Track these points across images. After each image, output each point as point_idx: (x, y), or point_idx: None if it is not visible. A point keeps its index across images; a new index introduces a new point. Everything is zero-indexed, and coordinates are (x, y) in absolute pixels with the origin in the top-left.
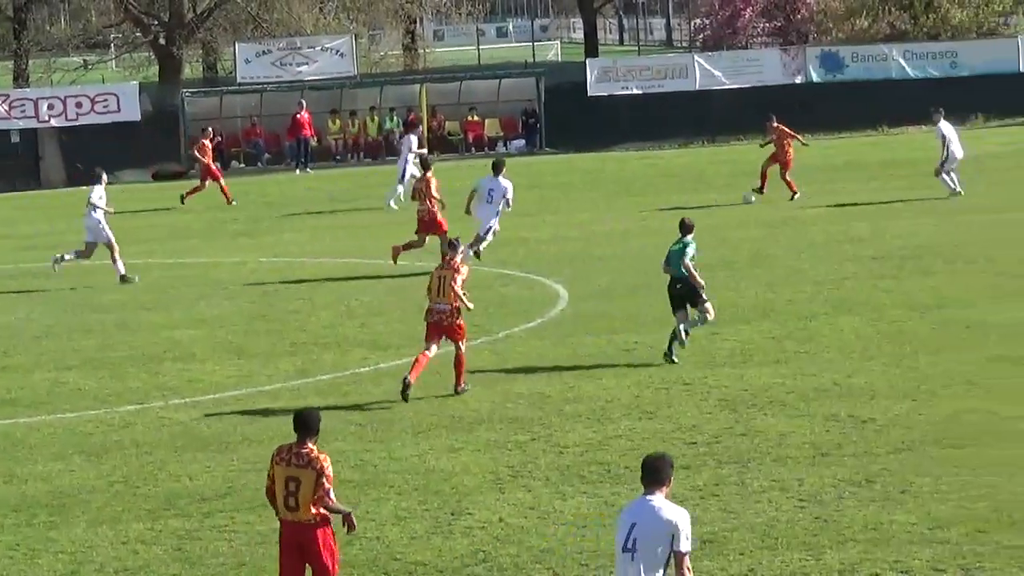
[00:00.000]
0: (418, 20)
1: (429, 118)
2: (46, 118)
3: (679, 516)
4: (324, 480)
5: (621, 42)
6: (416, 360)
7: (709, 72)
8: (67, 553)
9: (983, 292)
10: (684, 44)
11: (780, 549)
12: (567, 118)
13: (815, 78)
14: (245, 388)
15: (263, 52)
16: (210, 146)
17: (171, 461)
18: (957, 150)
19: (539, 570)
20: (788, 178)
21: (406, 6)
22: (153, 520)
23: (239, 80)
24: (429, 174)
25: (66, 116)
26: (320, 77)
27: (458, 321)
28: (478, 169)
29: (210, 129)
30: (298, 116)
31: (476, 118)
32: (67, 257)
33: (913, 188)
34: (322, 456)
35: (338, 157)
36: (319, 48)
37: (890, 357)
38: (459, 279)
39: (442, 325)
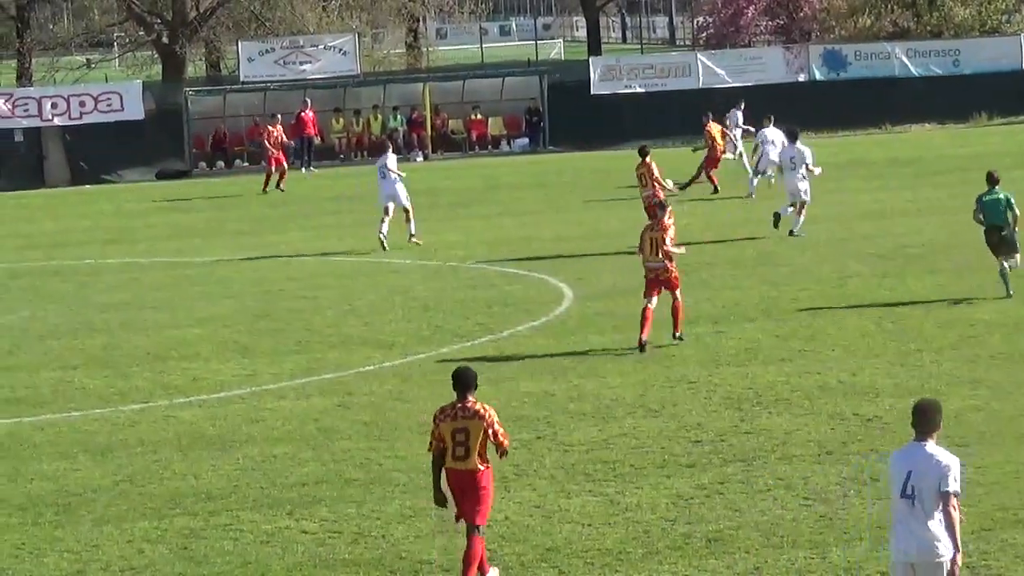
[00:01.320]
0: (421, 19)
1: (433, 116)
2: (50, 117)
3: (952, 460)
4: (495, 427)
5: (624, 40)
6: (644, 317)
7: (712, 70)
8: (73, 552)
9: (987, 290)
10: (687, 42)
11: (785, 547)
12: (570, 117)
13: (818, 76)
14: (250, 387)
15: (266, 51)
16: (276, 133)
17: (176, 460)
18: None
19: (544, 568)
20: (712, 174)
21: (409, 5)
22: (159, 519)
23: (242, 79)
24: (648, 159)
25: (70, 115)
26: (323, 76)
27: (673, 273)
28: (480, 167)
29: (279, 115)
30: (303, 115)
31: (480, 117)
32: (384, 231)
33: (917, 186)
34: (489, 408)
35: (342, 156)
36: (322, 47)
37: (895, 355)
38: (668, 237)
39: (659, 279)
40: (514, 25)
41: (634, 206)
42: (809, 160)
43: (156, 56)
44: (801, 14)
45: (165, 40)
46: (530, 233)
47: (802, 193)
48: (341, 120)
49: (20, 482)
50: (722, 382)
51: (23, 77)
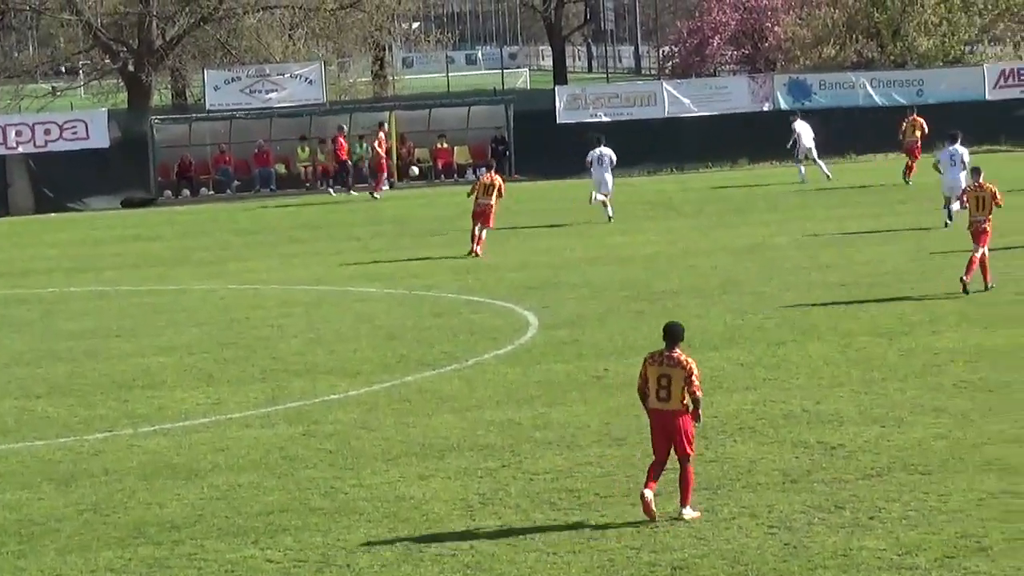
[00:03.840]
0: (387, 47)
1: (398, 145)
2: (14, 145)
3: None
4: (693, 377)
5: (590, 69)
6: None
7: (677, 99)
8: None
9: (950, 319)
10: (652, 72)
11: (750, 575)
12: (536, 145)
13: (783, 105)
14: (215, 415)
15: (232, 79)
16: (385, 139)
17: (141, 489)
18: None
19: None
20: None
21: (375, 33)
22: (123, 548)
23: (208, 107)
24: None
25: (34, 143)
26: (289, 104)
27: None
28: (447, 196)
29: (385, 123)
30: (338, 139)
31: (445, 145)
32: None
33: (881, 215)
34: (691, 360)
35: (307, 184)
36: (288, 75)
37: (859, 383)
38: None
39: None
40: (480, 54)
41: (599, 235)
42: (967, 159)
43: (122, 84)
44: (766, 44)
45: (131, 68)
46: (496, 261)
47: (958, 189)
48: (307, 148)
49: None
50: None
51: None
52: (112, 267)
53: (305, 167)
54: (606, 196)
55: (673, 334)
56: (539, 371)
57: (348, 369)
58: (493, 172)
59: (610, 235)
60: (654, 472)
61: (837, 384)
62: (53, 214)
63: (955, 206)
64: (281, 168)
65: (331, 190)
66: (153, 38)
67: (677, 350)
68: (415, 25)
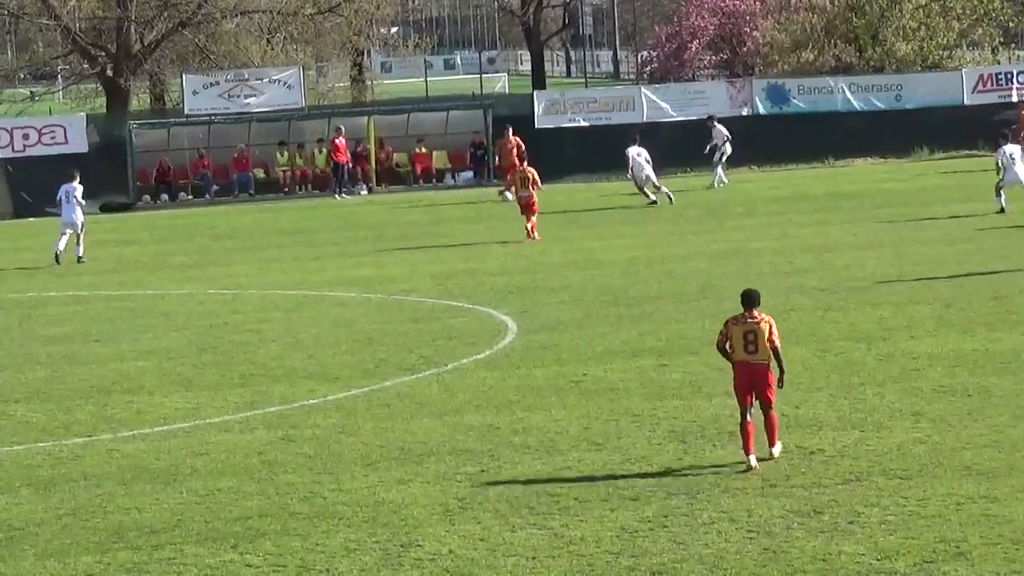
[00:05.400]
0: (366, 52)
1: (377, 150)
2: None
3: None
4: (772, 330)
5: (568, 74)
6: None
7: (656, 104)
8: None
9: (928, 323)
10: (631, 77)
11: None
12: None
13: (761, 110)
14: (194, 420)
15: (211, 84)
16: (344, 144)
17: (120, 494)
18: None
19: None
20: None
21: (354, 38)
22: (102, 553)
23: (187, 112)
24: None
25: (12, 147)
26: (268, 109)
27: None
28: (426, 200)
29: (510, 128)
30: (336, 141)
31: (424, 150)
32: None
33: (859, 220)
34: (770, 317)
35: (286, 189)
36: (267, 80)
37: (837, 388)
38: None
39: None
40: (459, 59)
41: (578, 239)
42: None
43: (100, 89)
44: (744, 49)
45: (109, 73)
46: (475, 266)
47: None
48: (286, 153)
49: None
50: (666, 415)
51: None
52: (91, 272)
53: (284, 172)
54: (655, 187)
55: (750, 298)
56: (518, 376)
57: (327, 374)
58: (525, 165)
59: (588, 240)
60: (747, 435)
61: (816, 389)
62: (31, 219)
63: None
64: (260, 173)
65: (337, 195)
66: (132, 43)
67: (755, 311)
68: (394, 30)
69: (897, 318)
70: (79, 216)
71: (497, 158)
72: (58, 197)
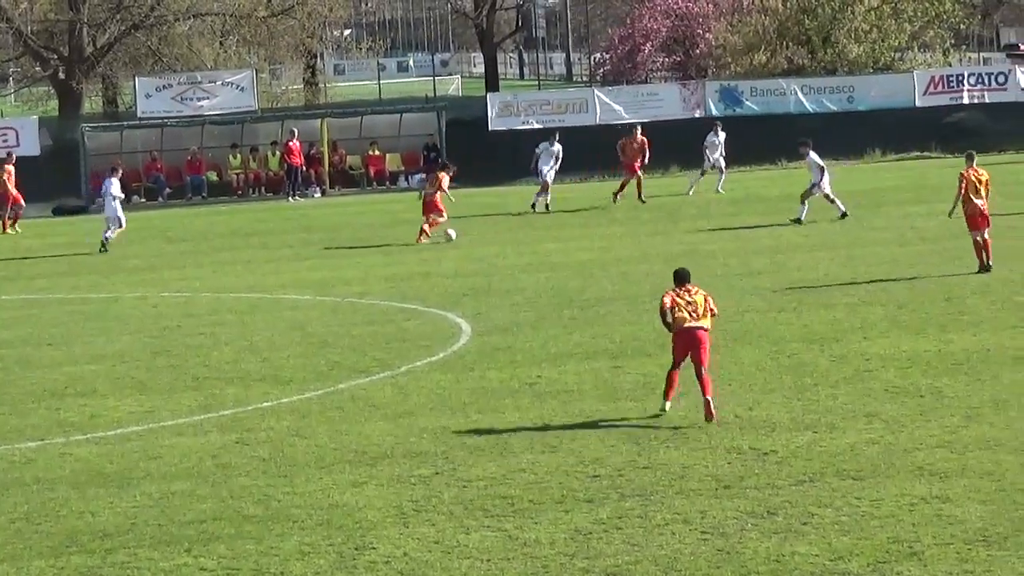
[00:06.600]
0: (319, 55)
1: (331, 153)
2: None
3: None
4: (708, 300)
5: (522, 76)
6: None
7: (609, 106)
8: None
9: (881, 325)
10: (584, 79)
11: None
12: (468, 152)
13: (714, 112)
14: (147, 423)
15: (164, 87)
16: (297, 148)
17: (73, 498)
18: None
19: None
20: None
21: (307, 41)
22: (55, 558)
23: (140, 114)
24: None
25: None
26: (221, 112)
27: None
28: (379, 203)
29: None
30: (289, 144)
31: (377, 152)
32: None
33: (812, 222)
34: (702, 291)
35: (239, 192)
36: (220, 83)
37: (791, 389)
38: None
39: None
40: (412, 61)
41: (532, 241)
42: None
43: (52, 91)
44: (697, 51)
45: (62, 75)
46: (429, 269)
47: None
48: (239, 156)
49: None
50: (620, 417)
51: None
52: (43, 275)
53: (237, 175)
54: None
55: (681, 276)
56: (472, 378)
57: (281, 377)
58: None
59: (542, 242)
60: (671, 383)
61: (769, 390)
62: None
63: None
64: (213, 176)
65: (290, 198)
66: (84, 45)
67: (688, 286)
68: (347, 32)
69: (850, 319)
70: (112, 211)
71: (621, 155)
72: (101, 192)
